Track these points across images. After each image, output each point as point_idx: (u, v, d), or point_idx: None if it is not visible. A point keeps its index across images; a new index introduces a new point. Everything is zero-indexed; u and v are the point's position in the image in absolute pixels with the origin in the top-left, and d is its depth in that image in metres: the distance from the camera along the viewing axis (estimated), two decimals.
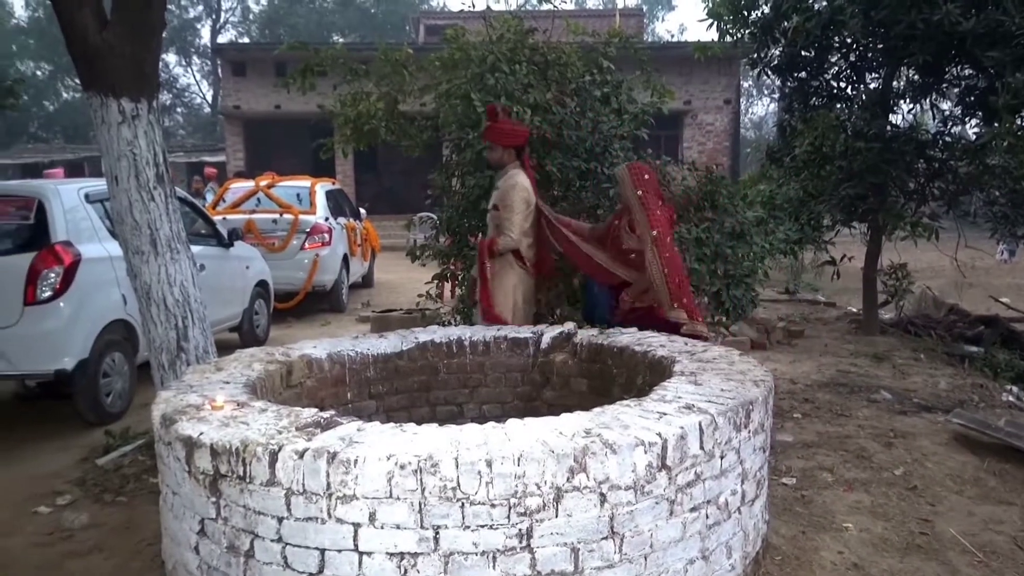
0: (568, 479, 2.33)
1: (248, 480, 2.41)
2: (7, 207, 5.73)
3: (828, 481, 4.25)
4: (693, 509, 2.59)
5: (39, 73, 40.68)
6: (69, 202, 5.79)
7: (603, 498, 2.38)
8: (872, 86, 8.72)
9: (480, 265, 4.82)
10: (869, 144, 7.80)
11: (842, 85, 8.82)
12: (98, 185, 6.06)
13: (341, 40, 34.36)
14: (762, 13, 8.37)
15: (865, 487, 4.16)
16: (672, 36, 48.89)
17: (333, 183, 12.91)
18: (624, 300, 4.61)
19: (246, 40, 42.54)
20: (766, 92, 46.12)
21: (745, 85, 33.94)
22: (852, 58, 8.58)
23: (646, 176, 4.60)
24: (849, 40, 8.23)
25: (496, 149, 4.85)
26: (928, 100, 8.49)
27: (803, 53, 8.45)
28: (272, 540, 2.41)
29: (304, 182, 11.61)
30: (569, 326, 4.41)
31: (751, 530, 2.94)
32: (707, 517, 2.64)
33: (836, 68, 8.78)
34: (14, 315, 5.34)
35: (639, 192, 4.51)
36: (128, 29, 4.35)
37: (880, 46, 8.12)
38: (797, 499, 3.99)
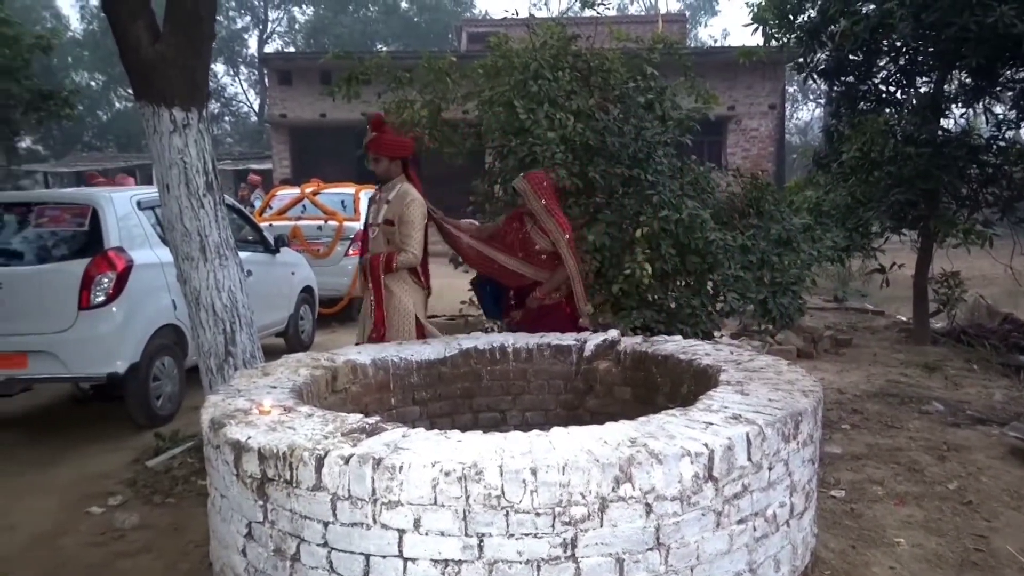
0: (613, 489, 2.31)
1: (295, 484, 2.44)
2: (63, 214, 5.88)
3: (879, 494, 4.16)
4: (740, 521, 2.55)
5: (93, 84, 41.82)
6: (122, 209, 5.93)
7: (648, 508, 2.35)
8: (923, 90, 8.54)
9: (375, 284, 4.63)
10: (920, 149, 7.64)
11: (891, 89, 8.65)
12: (149, 193, 6.20)
13: (385, 49, 34.72)
14: (808, 17, 8.27)
15: (917, 501, 4.07)
16: (715, 41, 48.52)
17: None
18: (536, 297, 4.80)
19: (292, 50, 43.20)
20: (811, 97, 45.51)
21: (790, 90, 33.54)
22: (901, 62, 8.42)
23: (544, 183, 4.78)
24: (898, 44, 8.08)
25: (382, 161, 4.67)
26: (981, 104, 8.29)
27: (851, 57, 8.32)
28: (318, 545, 2.43)
29: (349, 189, 11.73)
30: (613, 333, 4.38)
31: (800, 544, 2.88)
32: (755, 529, 2.60)
33: (885, 72, 8.63)
34: (69, 319, 5.48)
35: (543, 201, 4.72)
36: (180, 40, 4.45)
37: (931, 49, 7.95)
38: (846, 512, 3.91)
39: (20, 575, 3.58)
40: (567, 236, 4.72)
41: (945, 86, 8.31)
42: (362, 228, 10.75)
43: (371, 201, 4.88)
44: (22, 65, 11.95)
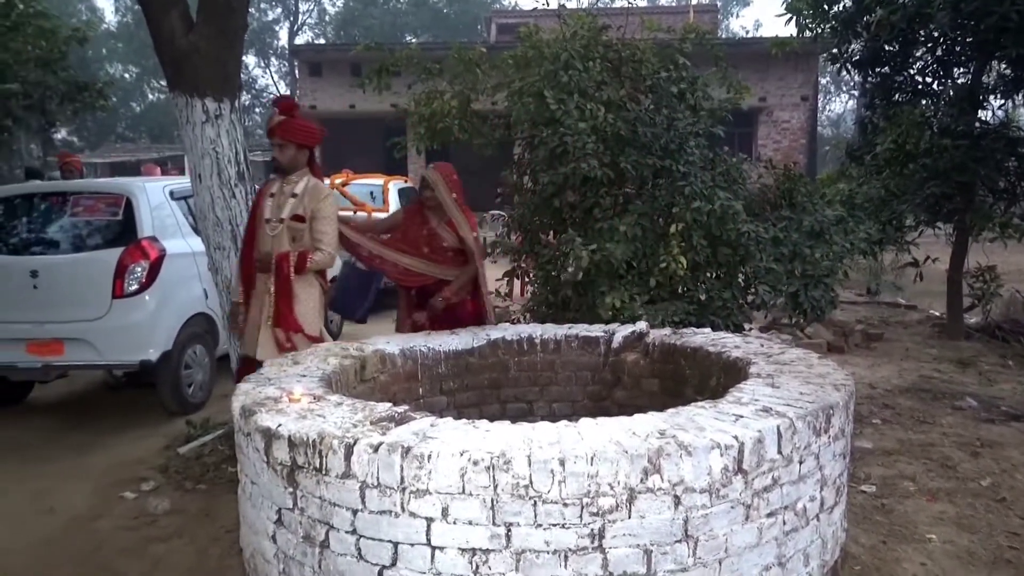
0: (642, 480, 2.30)
1: (324, 472, 2.45)
2: (97, 204, 5.97)
3: (910, 490, 4.11)
4: (770, 514, 2.53)
5: (127, 75, 42.39)
6: (155, 199, 6.01)
7: (677, 500, 2.34)
8: (960, 81, 8.39)
9: (284, 283, 4.13)
10: (956, 141, 7.51)
11: (928, 80, 8.51)
12: (182, 183, 6.27)
13: (414, 40, 34.78)
14: (843, 7, 8.15)
15: (950, 497, 4.01)
16: (747, 32, 47.99)
17: (405, 181, 13.07)
18: (445, 298, 4.54)
19: (322, 41, 43.42)
20: (844, 88, 44.90)
21: (822, 81, 33.09)
22: (939, 52, 8.27)
23: (454, 177, 4.61)
24: (936, 34, 7.94)
25: (289, 148, 4.16)
26: (1020, 95, 8.11)
27: (886, 47, 8.19)
28: (347, 532, 2.45)
29: (378, 180, 11.79)
30: (641, 325, 4.36)
31: (829, 538, 2.85)
32: (784, 523, 2.58)
33: (921, 63, 8.49)
34: (103, 307, 5.57)
35: (454, 195, 4.54)
36: (213, 32, 4.49)
37: (969, 39, 7.80)
38: (877, 508, 3.86)
39: (60, 556, 3.66)
40: (475, 233, 4.58)
41: (983, 77, 8.16)
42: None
43: (262, 194, 4.31)
44: (59, 57, 12.12)
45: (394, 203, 11.11)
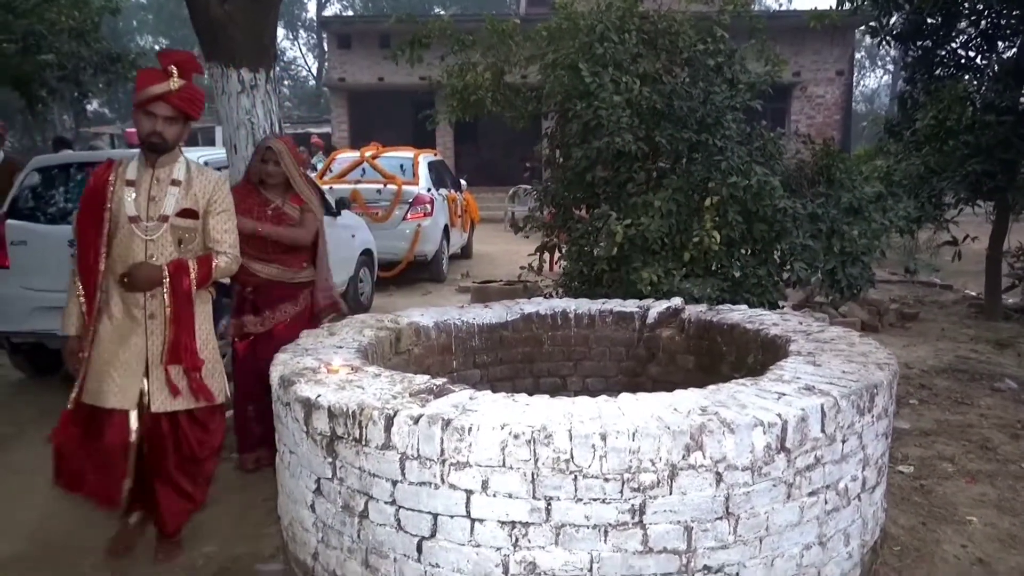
0: (683, 456, 2.28)
1: (364, 443, 2.46)
2: None
3: (949, 471, 4.05)
4: (812, 493, 2.50)
5: (157, 47, 42.51)
6: None
7: (719, 477, 2.32)
8: (1005, 55, 8.16)
9: (183, 302, 3.12)
10: (1000, 118, 7.33)
11: (971, 54, 8.29)
12: (216, 154, 6.28)
13: (443, 13, 34.52)
14: None
15: (990, 479, 3.95)
16: (780, 5, 47.03)
17: (435, 154, 13.03)
18: (325, 308, 4.24)
19: (351, 13, 43.23)
20: (879, 63, 44.01)
21: (858, 56, 32.45)
22: (983, 25, 8.05)
23: (297, 150, 4.25)
24: (980, 6, 7.73)
25: (178, 122, 3.08)
26: None
27: (928, 20, 7.99)
28: (386, 502, 2.46)
29: (408, 153, 11.75)
30: (676, 301, 4.32)
31: (870, 518, 2.82)
32: (826, 503, 2.55)
33: (965, 36, 8.27)
34: None
35: (300, 168, 4.18)
36: (247, 1, 4.47)
37: (1016, 12, 7.57)
38: (915, 488, 3.81)
39: (95, 521, 3.71)
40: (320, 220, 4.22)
41: None
42: (420, 192, 10.53)
43: (103, 182, 3.11)
44: (91, 28, 12.19)
45: (424, 176, 11.09)
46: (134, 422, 3.14)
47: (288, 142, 4.14)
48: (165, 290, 3.08)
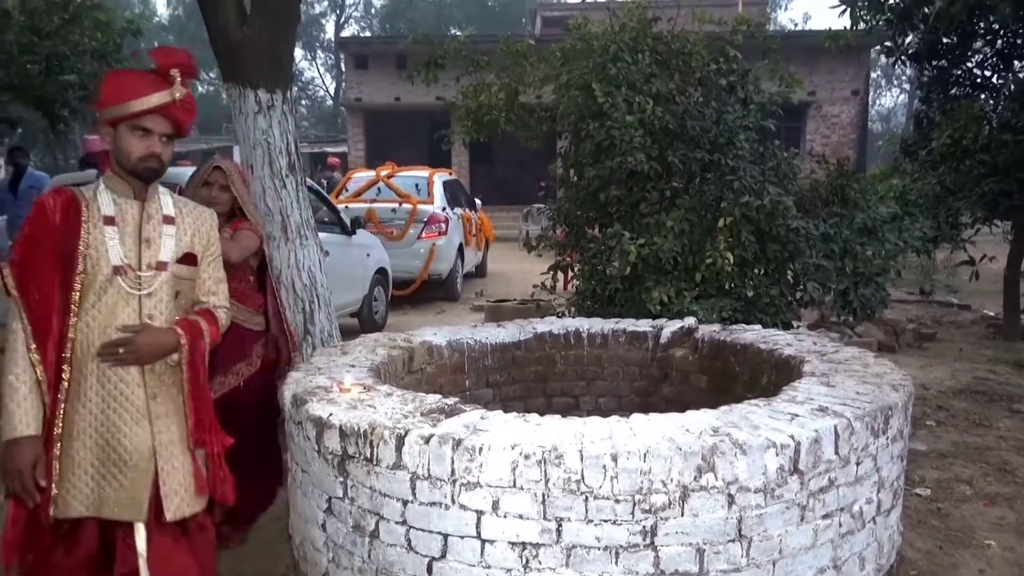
0: (695, 478, 2.27)
1: (375, 462, 2.46)
2: None
3: (967, 494, 4.00)
4: (825, 516, 2.47)
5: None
6: None
7: (731, 499, 2.30)
8: (1021, 75, 8.14)
9: (199, 374, 2.42)
10: (1017, 137, 7.30)
11: (987, 74, 8.28)
12: None
13: (460, 34, 34.89)
14: None
15: (1009, 503, 3.90)
16: (795, 25, 47.16)
17: (450, 174, 13.10)
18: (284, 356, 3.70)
19: (368, 34, 43.72)
20: (895, 83, 43.93)
21: (873, 76, 32.38)
22: (999, 45, 8.04)
23: (243, 170, 3.85)
24: (996, 26, 7.72)
25: (173, 142, 2.41)
26: None
27: (944, 40, 7.98)
28: (397, 522, 2.45)
29: (423, 172, 11.83)
30: (690, 321, 4.31)
31: (886, 541, 2.79)
32: (840, 525, 2.52)
33: (980, 56, 8.26)
34: None
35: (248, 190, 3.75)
36: (266, 23, 4.53)
37: None
38: (932, 512, 3.77)
39: None
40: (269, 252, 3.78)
41: None
42: (435, 211, 10.53)
43: (78, 221, 2.27)
44: (114, 49, 12.36)
45: (439, 196, 11.15)
46: (142, 542, 2.32)
47: (233, 163, 3.72)
48: (184, 359, 2.36)
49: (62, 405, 2.25)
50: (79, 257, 2.25)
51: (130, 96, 2.27)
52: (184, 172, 6.55)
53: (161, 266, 2.36)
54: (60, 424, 2.25)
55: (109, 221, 2.30)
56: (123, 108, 2.27)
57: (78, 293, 2.26)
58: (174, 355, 2.35)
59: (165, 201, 2.44)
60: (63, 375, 2.25)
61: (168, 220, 2.41)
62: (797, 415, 2.56)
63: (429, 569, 2.41)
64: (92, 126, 17.77)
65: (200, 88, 44.08)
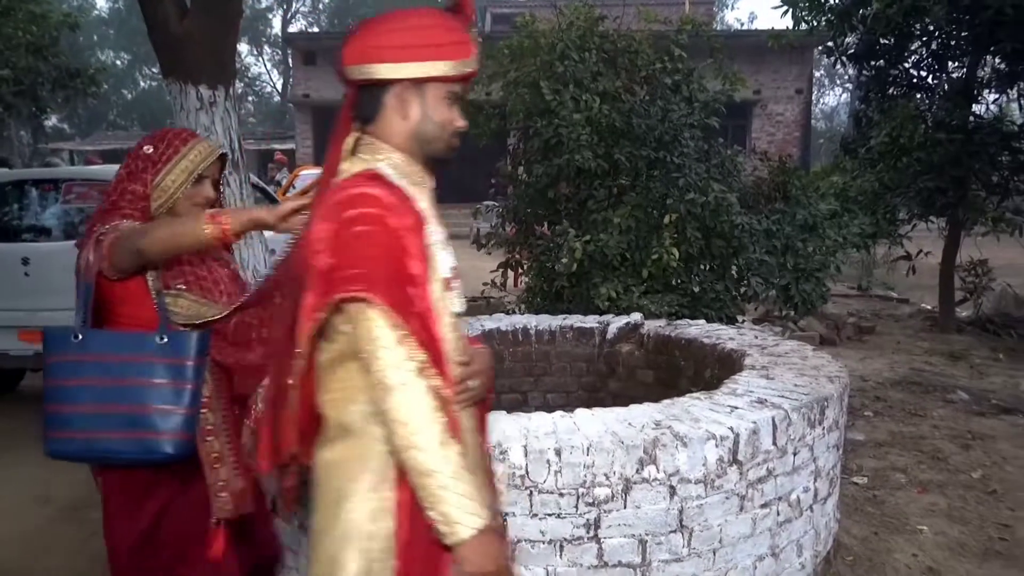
0: (637, 471, 2.31)
1: None
2: (90, 191, 5.92)
3: (901, 482, 4.13)
4: (764, 505, 2.54)
5: (118, 62, 42.07)
6: None
7: (672, 491, 2.35)
8: (955, 75, 8.40)
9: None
10: (951, 135, 7.53)
11: (923, 74, 8.51)
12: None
13: None
14: (839, 0, 8.13)
15: (941, 489, 4.03)
16: (742, 24, 47.92)
17: None
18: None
19: (316, 30, 43.19)
20: (838, 82, 44.91)
21: (816, 75, 33.12)
22: (934, 46, 8.27)
23: None
24: (931, 28, 7.94)
25: None
26: (1015, 90, 8.13)
27: (882, 41, 8.18)
28: None
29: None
30: (636, 317, 4.37)
31: (822, 529, 2.88)
32: (778, 514, 2.59)
33: (916, 56, 8.49)
34: None
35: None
36: (207, 18, 4.45)
37: (964, 33, 7.81)
38: (869, 499, 3.88)
39: (53, 546, 3.64)
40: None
41: (978, 71, 8.17)
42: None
43: (420, 223, 1.65)
44: (50, 43, 12.02)
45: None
46: None
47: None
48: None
49: None
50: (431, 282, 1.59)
51: (464, 52, 1.60)
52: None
53: (457, 277, 1.68)
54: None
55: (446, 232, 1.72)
56: (455, 67, 1.58)
57: None
58: None
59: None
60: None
61: None
62: (737, 407, 2.62)
63: None
64: (28, 122, 17.26)
65: (141, 83, 43.17)
